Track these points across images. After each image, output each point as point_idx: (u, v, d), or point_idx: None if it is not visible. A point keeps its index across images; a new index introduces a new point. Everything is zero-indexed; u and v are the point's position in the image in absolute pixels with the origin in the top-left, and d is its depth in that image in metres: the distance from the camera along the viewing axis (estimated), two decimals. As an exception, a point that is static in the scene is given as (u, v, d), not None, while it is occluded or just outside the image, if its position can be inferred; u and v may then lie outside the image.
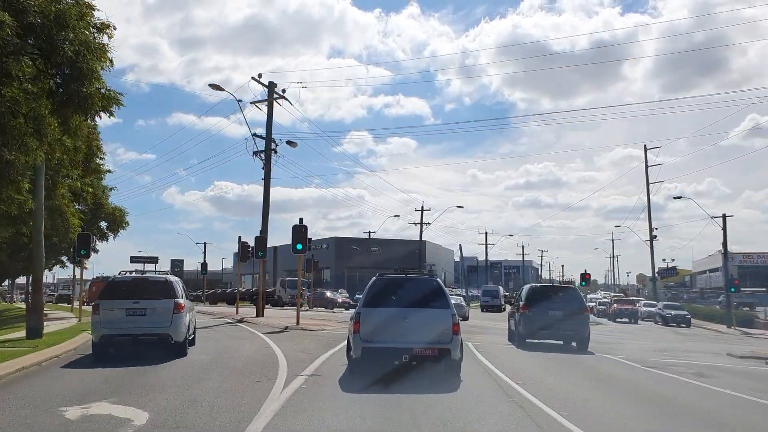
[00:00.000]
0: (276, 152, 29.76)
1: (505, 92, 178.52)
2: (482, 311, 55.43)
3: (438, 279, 12.60)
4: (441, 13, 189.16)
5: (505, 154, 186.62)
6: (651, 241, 62.79)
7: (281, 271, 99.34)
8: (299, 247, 23.46)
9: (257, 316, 29.66)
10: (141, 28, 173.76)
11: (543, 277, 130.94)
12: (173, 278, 14.93)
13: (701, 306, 59.76)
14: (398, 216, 62.37)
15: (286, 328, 22.62)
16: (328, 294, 51.72)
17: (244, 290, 64.56)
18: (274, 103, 30.09)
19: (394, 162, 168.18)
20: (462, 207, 52.63)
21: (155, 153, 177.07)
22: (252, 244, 30.36)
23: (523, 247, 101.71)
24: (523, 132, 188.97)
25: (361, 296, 12.55)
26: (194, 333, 16.07)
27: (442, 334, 10.94)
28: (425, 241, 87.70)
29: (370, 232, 68.57)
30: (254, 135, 30.04)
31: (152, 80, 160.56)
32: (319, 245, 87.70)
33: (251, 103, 30.46)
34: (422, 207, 53.02)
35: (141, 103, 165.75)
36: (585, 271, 47.85)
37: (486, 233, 78.57)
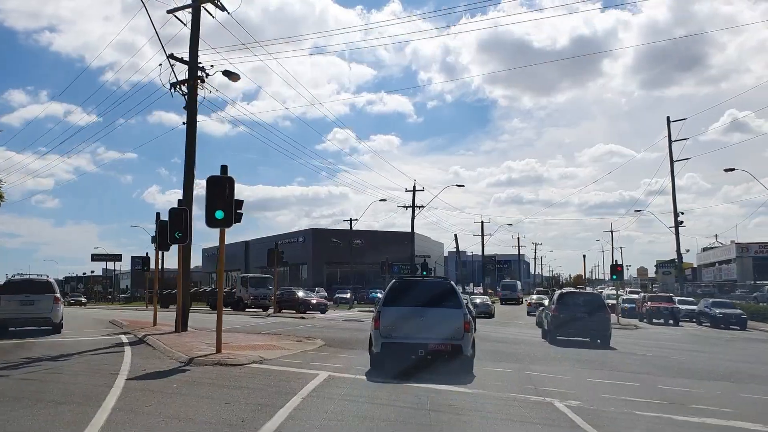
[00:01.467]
0: (203, 81, 19.24)
1: (486, 89, 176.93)
2: (502, 304, 56.10)
3: (451, 281, 13.22)
4: (423, 10, 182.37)
5: (487, 151, 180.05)
6: (676, 226, 53.02)
7: (254, 269, 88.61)
8: (219, 215, 13.00)
9: (175, 330, 19.14)
10: (120, 26, 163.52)
11: (534, 273, 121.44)
12: (52, 279, 20.87)
13: (741, 302, 50.04)
14: (384, 200, 51.95)
15: (190, 361, 12.10)
16: (300, 294, 41.17)
17: (209, 290, 53.64)
18: (202, 10, 19.59)
19: (377, 159, 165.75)
20: (462, 186, 42.29)
21: (137, 152, 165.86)
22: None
23: (518, 238, 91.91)
24: (505, 129, 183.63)
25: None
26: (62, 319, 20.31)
27: (454, 331, 11.27)
28: (413, 233, 77.66)
29: (351, 220, 57.96)
30: (171, 57, 19.50)
31: (132, 79, 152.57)
32: (294, 238, 77.08)
33: (169, 11, 19.91)
34: (414, 187, 42.52)
35: (121, 101, 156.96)
36: (615, 262, 37.96)
37: (482, 222, 68.34)
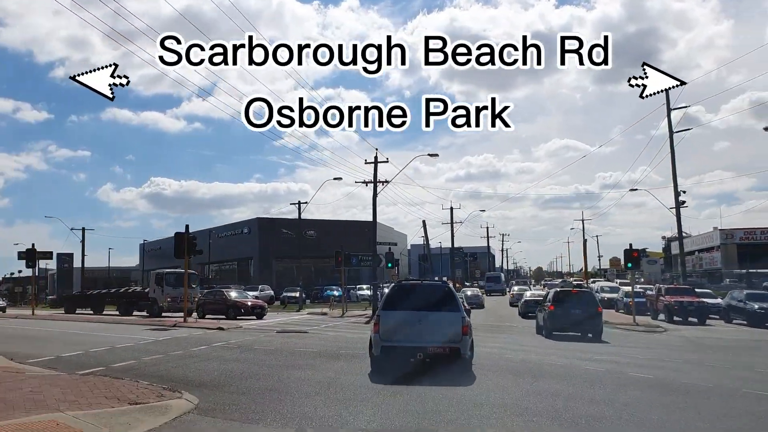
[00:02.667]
0: None
1: (443, 85, 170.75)
2: (488, 295, 54.98)
3: (449, 284, 13.51)
4: (380, 5, 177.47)
5: (446, 146, 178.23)
6: (677, 206, 45.20)
7: (194, 265, 78.28)
8: None
9: None
10: (70, 21, 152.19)
11: (501, 266, 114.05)
12: None
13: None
14: (340, 179, 42.62)
15: None
16: (232, 295, 31.66)
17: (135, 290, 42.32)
18: None
19: (336, 155, 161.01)
20: (437, 155, 32.85)
21: (90, 150, 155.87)
22: None
23: (488, 228, 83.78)
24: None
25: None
26: None
27: (453, 334, 11.14)
28: (375, 222, 68.84)
29: (299, 203, 48.24)
30: None
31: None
32: (238, 229, 67.14)
33: None
34: (375, 158, 32.89)
35: (73, 98, 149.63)
36: (630, 246, 29.63)
37: (452, 207, 59.42)
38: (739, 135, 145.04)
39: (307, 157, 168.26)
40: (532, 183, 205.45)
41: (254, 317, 29.52)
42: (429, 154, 35.40)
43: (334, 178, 42.68)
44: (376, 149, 34.46)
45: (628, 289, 41.29)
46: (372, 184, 34.19)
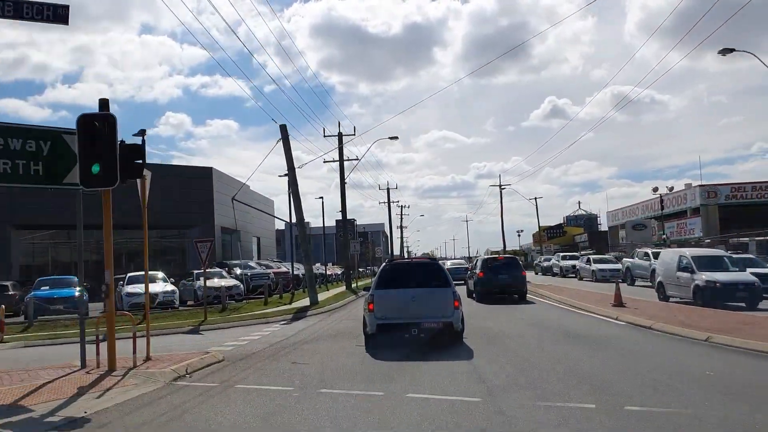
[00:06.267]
0: None
1: (323, 75, 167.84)
2: None
3: (439, 262, 14.56)
4: None
5: (329, 136, 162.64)
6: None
7: None
8: None
9: None
10: None
11: (396, 254, 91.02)
12: None
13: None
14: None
15: None
16: None
17: None
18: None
19: (214, 145, 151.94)
20: None
21: None
22: None
23: (388, 189, 58.86)
24: (344, 115, 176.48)
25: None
26: None
27: (444, 309, 11.65)
28: (211, 168, 41.75)
29: None
30: None
31: None
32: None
33: None
34: None
35: None
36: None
37: (340, 135, 33.60)
38: (602, 126, 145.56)
39: (184, 146, 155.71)
40: (411, 173, 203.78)
41: None
42: None
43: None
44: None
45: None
46: None
